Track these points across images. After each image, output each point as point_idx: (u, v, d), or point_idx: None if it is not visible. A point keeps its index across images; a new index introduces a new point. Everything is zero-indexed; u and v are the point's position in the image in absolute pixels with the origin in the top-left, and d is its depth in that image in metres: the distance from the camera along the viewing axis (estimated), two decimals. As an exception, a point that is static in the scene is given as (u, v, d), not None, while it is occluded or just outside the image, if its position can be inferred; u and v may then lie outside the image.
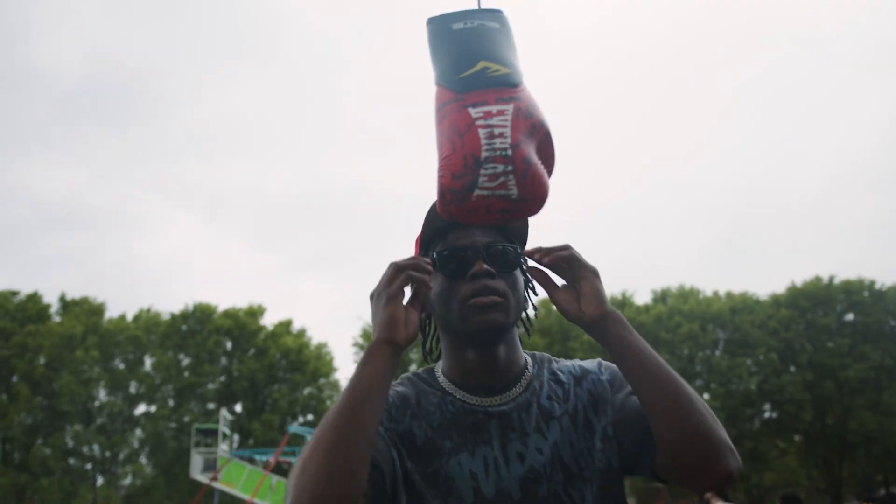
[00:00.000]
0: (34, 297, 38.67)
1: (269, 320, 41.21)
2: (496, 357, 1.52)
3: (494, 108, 1.37)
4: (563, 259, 1.47)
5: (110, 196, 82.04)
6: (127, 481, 37.18)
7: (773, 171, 66.25)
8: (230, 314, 39.05)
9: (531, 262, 1.54)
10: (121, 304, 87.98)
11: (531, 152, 1.39)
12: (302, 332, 41.19)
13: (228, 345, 39.09)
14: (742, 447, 36.17)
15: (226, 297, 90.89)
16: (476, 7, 1.52)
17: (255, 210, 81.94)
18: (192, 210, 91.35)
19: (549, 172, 1.44)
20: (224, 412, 30.82)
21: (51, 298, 40.04)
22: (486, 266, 1.48)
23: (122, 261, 78.79)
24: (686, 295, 40.81)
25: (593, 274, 1.47)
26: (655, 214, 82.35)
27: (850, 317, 38.92)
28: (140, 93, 71.24)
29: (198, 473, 28.53)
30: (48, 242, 76.93)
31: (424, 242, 1.59)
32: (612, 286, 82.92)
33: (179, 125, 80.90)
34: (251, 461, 30.24)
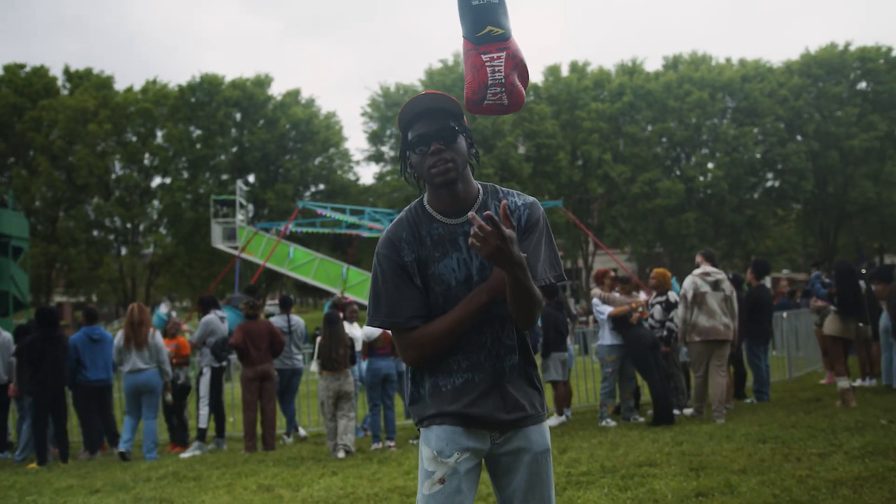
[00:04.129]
0: (40, 71, 38.52)
1: (276, 90, 41.08)
2: (457, 192, 2.39)
3: (495, 55, 2.46)
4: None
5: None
6: (149, 251, 38.82)
7: (798, -75, 62.74)
8: (238, 84, 38.86)
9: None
10: (127, 77, 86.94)
11: (515, 78, 2.47)
12: (311, 102, 41.19)
13: (238, 116, 39.25)
14: (743, 215, 37.29)
15: (232, 67, 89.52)
16: None
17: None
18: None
19: (525, 86, 2.50)
20: (239, 183, 31.64)
21: (56, 71, 39.81)
22: (438, 145, 2.33)
23: (121, 27, 76.64)
24: (698, 62, 40.24)
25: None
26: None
27: (862, 85, 38.62)
28: None
29: (219, 242, 29.83)
30: (41, 6, 74.43)
31: (402, 126, 2.44)
32: (621, 52, 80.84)
33: None
34: (266, 230, 31.56)
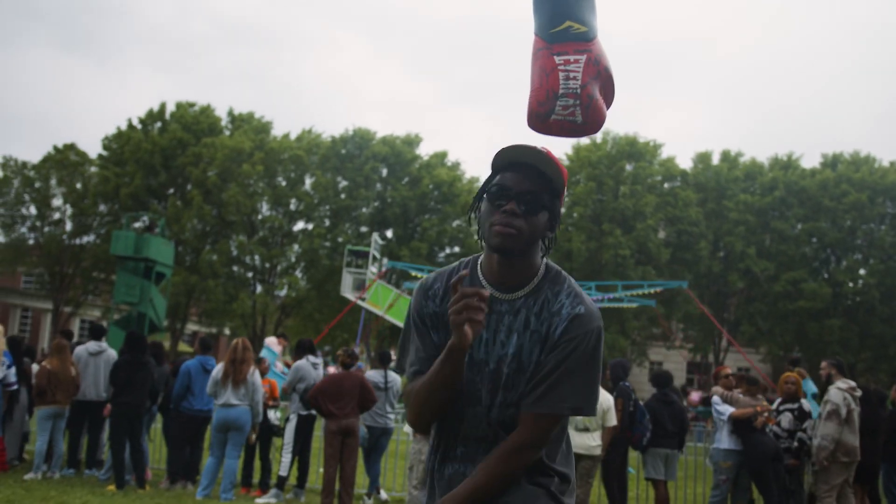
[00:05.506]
0: (207, 111, 40.71)
1: (424, 150, 41.60)
2: (511, 264, 2.10)
3: (572, 58, 1.91)
4: None
5: (283, 15, 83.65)
6: (283, 292, 39.78)
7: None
8: (388, 141, 39.71)
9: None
10: (286, 123, 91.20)
11: (595, 91, 1.91)
12: (456, 165, 41.56)
13: (384, 171, 39.96)
14: (893, 327, 34.82)
15: (384, 125, 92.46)
16: None
17: (419, 37, 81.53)
18: (358, 34, 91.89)
19: (609, 104, 1.94)
20: (376, 236, 32.10)
21: (221, 112, 41.98)
22: (514, 207, 2.03)
23: (289, 80, 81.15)
24: (859, 162, 38.26)
25: None
26: (833, 66, 76.39)
27: None
28: None
29: (348, 291, 30.24)
30: (222, 57, 79.81)
31: (493, 166, 2.13)
32: (776, 146, 78.43)
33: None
34: (398, 285, 31.76)
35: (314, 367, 9.00)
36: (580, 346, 2.03)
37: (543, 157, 2.02)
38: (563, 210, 2.18)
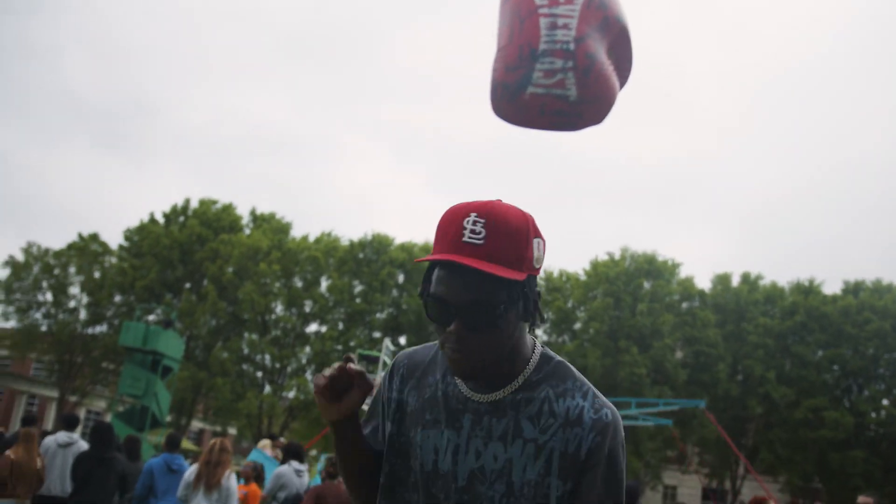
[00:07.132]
0: (229, 208, 41.13)
1: (442, 259, 41.70)
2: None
3: None
4: None
5: (313, 127, 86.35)
6: (291, 394, 39.17)
7: None
8: (406, 247, 39.79)
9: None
10: (306, 225, 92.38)
11: (598, 49, 1.15)
12: (472, 274, 41.46)
13: (400, 277, 39.90)
14: (917, 462, 33.62)
15: (403, 232, 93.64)
16: None
17: (441, 153, 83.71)
18: (384, 148, 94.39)
19: (623, 78, 1.15)
20: (387, 342, 31.63)
21: (245, 211, 42.36)
22: (461, 327, 1.53)
23: (313, 185, 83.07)
24: (882, 290, 37.79)
25: None
26: (852, 197, 76.79)
27: None
28: (349, 39, 75.70)
29: (355, 397, 29.63)
30: (254, 163, 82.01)
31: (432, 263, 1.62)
32: (798, 272, 78.50)
33: (379, 70, 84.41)
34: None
35: (298, 475, 8.48)
36: (614, 464, 1.59)
37: (478, 245, 1.50)
38: (540, 271, 1.64)
